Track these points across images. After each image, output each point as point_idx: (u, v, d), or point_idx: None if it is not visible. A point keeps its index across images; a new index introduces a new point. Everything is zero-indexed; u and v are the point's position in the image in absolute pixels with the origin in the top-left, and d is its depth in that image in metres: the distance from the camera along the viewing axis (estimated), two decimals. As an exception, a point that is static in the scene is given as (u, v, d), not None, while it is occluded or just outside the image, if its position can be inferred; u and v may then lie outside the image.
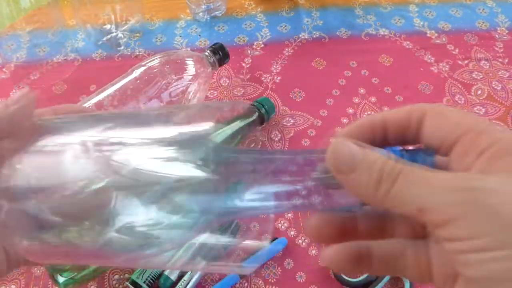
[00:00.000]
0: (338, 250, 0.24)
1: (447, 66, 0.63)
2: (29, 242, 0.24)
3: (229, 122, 0.52)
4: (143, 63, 0.53)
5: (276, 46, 0.65)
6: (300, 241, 0.48)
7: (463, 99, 0.59)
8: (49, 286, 0.46)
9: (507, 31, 0.67)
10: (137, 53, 0.65)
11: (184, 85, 0.52)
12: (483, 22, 0.68)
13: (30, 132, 0.26)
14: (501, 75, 0.62)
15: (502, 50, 0.64)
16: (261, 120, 0.55)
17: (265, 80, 0.61)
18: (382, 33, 0.67)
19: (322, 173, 0.22)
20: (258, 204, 0.23)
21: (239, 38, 0.67)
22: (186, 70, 0.54)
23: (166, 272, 0.45)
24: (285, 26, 0.68)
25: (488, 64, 0.63)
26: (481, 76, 0.62)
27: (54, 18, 0.61)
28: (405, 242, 0.23)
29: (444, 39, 0.66)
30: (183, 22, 0.69)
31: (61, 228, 0.24)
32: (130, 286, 0.44)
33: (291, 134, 0.56)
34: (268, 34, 0.67)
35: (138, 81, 0.52)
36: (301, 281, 0.46)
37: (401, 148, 0.22)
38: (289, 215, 0.49)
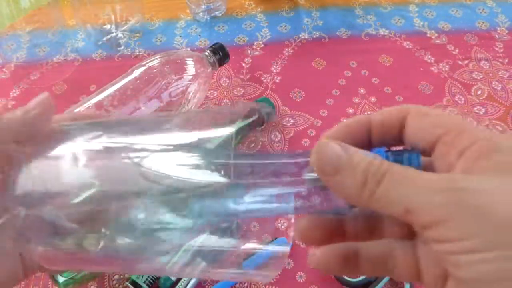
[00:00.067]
0: (326, 252, 0.24)
1: (447, 66, 0.63)
2: (44, 248, 0.24)
3: (229, 122, 0.52)
4: (143, 63, 0.53)
5: (276, 46, 0.65)
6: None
7: (463, 99, 0.59)
8: (49, 286, 0.46)
9: (507, 31, 0.67)
10: (137, 53, 0.65)
11: (184, 85, 0.52)
12: (483, 22, 0.68)
13: (49, 138, 0.26)
14: (501, 75, 0.62)
15: (502, 50, 0.64)
16: (262, 120, 0.55)
17: (265, 80, 0.61)
18: (382, 33, 0.67)
19: (315, 174, 0.22)
20: (257, 206, 0.23)
21: (239, 38, 0.67)
22: (186, 70, 0.54)
23: (166, 272, 0.45)
24: (285, 26, 0.68)
25: (488, 64, 0.63)
26: (481, 76, 0.62)
27: (54, 18, 0.61)
28: (394, 242, 0.23)
29: (444, 39, 0.66)
30: (183, 22, 0.69)
31: (77, 234, 0.24)
32: (130, 286, 0.44)
33: (291, 134, 0.56)
34: (268, 34, 0.67)
35: (138, 81, 0.52)
36: (301, 281, 0.46)
37: (386, 149, 0.22)
38: (289, 215, 0.49)
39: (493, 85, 0.61)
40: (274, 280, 0.46)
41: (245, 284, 0.45)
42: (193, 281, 0.45)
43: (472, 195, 0.18)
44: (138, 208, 0.23)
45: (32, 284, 0.46)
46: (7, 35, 0.61)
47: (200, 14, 0.68)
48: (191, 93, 0.53)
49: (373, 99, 0.60)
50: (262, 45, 0.65)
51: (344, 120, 0.23)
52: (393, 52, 0.64)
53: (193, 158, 0.23)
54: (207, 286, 0.45)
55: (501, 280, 0.17)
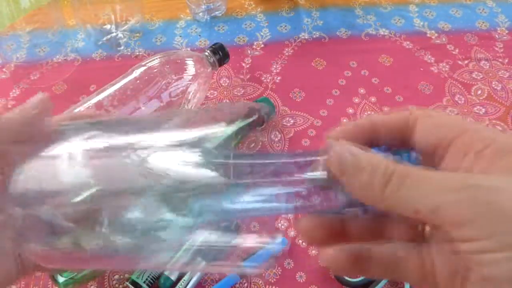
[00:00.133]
0: (338, 251, 0.24)
1: (447, 66, 0.63)
2: (42, 247, 0.24)
3: (229, 122, 0.52)
4: (143, 63, 0.53)
5: (276, 46, 0.65)
6: (300, 241, 0.48)
7: (463, 99, 0.59)
8: (49, 286, 0.46)
9: (507, 31, 0.67)
10: (137, 53, 0.65)
11: (184, 85, 0.52)
12: (483, 22, 0.68)
13: (47, 137, 0.26)
14: (501, 75, 0.62)
15: (502, 50, 0.64)
16: (261, 120, 0.55)
17: (265, 80, 0.61)
18: (382, 33, 0.67)
19: (324, 174, 0.22)
20: (257, 205, 0.23)
21: (239, 38, 0.67)
22: (186, 70, 0.54)
23: (166, 272, 0.45)
24: (285, 26, 0.68)
25: (488, 64, 0.63)
26: (481, 76, 0.62)
27: (54, 18, 0.61)
28: (404, 245, 0.23)
29: (444, 39, 0.66)
30: (183, 22, 0.69)
31: (74, 234, 0.24)
32: (130, 286, 0.44)
33: (291, 134, 0.56)
34: (268, 34, 0.67)
35: (138, 81, 0.52)
36: (301, 281, 0.46)
37: (385, 148, 0.22)
38: (289, 215, 0.49)
39: (493, 85, 0.61)
40: (274, 280, 0.46)
41: (245, 284, 0.45)
42: (193, 281, 0.45)
43: (495, 195, 0.18)
44: (136, 207, 0.23)
45: (32, 284, 0.46)
46: (7, 35, 0.61)
47: (200, 14, 0.68)
48: (191, 93, 0.53)
49: (373, 99, 0.60)
50: (262, 45, 0.65)
51: (346, 120, 0.24)
52: (393, 52, 0.64)
53: (193, 157, 0.23)
54: (207, 286, 0.45)
55: None
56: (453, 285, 0.21)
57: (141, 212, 0.23)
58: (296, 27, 0.68)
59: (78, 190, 0.24)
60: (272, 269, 0.46)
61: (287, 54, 0.64)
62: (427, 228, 0.23)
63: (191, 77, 0.53)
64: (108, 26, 0.65)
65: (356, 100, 0.59)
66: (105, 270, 0.46)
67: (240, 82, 0.61)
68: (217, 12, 0.69)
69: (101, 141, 0.25)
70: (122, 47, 0.65)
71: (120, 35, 0.65)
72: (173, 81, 0.52)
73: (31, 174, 0.24)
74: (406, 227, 0.23)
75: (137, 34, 0.67)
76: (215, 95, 0.60)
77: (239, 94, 0.60)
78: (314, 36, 0.67)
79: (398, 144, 0.23)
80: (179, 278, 0.45)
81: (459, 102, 0.59)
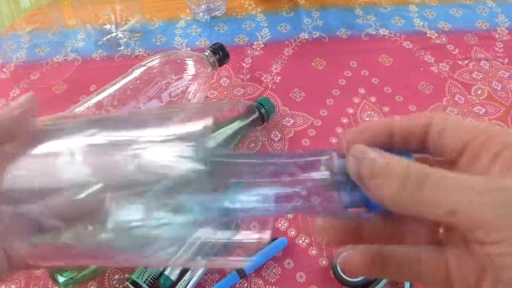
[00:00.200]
0: (355, 252, 0.24)
1: (447, 66, 0.63)
2: (30, 245, 0.24)
3: (229, 122, 0.52)
4: (143, 63, 0.53)
5: (276, 46, 0.65)
6: (300, 241, 0.48)
7: (463, 99, 0.59)
8: (49, 286, 0.46)
9: (507, 31, 0.67)
10: (137, 53, 0.65)
11: (184, 85, 0.52)
12: (483, 22, 0.68)
13: (33, 136, 0.26)
14: (501, 75, 0.62)
15: (502, 50, 0.64)
16: (261, 120, 0.55)
17: (265, 80, 0.61)
18: (382, 33, 0.67)
19: (326, 175, 0.22)
20: (257, 205, 0.23)
21: (239, 38, 0.67)
22: (186, 70, 0.54)
23: (166, 272, 0.45)
24: (285, 26, 0.68)
25: (488, 64, 0.63)
26: (481, 76, 0.62)
27: (54, 18, 0.61)
28: (421, 247, 0.23)
29: (444, 39, 0.66)
30: (183, 22, 0.69)
31: (61, 231, 0.24)
32: (130, 286, 0.44)
33: (291, 134, 0.56)
34: (268, 34, 0.67)
35: (138, 81, 0.52)
36: (301, 281, 0.46)
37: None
38: (289, 215, 0.49)
39: (493, 85, 0.61)
40: (274, 280, 0.46)
41: (245, 284, 0.45)
42: (193, 281, 0.45)
43: None
44: (126, 205, 0.23)
45: (32, 284, 0.46)
46: (7, 35, 0.61)
47: (200, 14, 0.68)
48: (191, 93, 0.53)
49: (373, 99, 0.60)
50: (262, 45, 0.65)
51: (364, 123, 0.24)
52: (393, 52, 0.64)
53: (191, 155, 0.23)
54: (207, 286, 0.45)
55: None
56: (468, 287, 0.21)
57: (132, 211, 0.23)
58: (296, 27, 0.68)
59: (65, 188, 0.24)
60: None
61: (287, 54, 0.64)
62: (441, 230, 0.23)
63: (191, 77, 0.53)
64: (108, 26, 0.65)
65: (356, 100, 0.59)
66: (105, 270, 0.46)
67: (240, 82, 0.61)
68: (217, 12, 0.69)
69: (89, 138, 0.25)
70: (122, 47, 0.65)
71: (120, 35, 0.65)
72: (173, 81, 0.52)
73: (18, 173, 0.25)
74: (425, 230, 0.23)
75: (137, 34, 0.67)
76: (215, 95, 0.60)
77: (239, 94, 0.60)
78: (314, 36, 0.67)
79: (414, 147, 0.23)
80: (179, 278, 0.45)
81: (459, 102, 0.59)
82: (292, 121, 0.57)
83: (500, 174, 0.19)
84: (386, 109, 0.59)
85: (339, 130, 0.57)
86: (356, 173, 0.21)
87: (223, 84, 0.61)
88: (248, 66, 0.63)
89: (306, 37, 0.66)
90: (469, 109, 0.59)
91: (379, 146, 0.22)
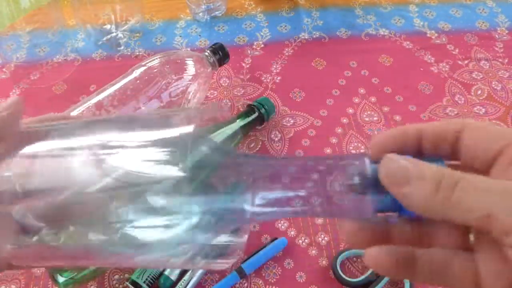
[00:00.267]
0: (383, 254, 0.23)
1: (447, 66, 0.63)
2: (13, 246, 0.25)
3: (229, 122, 0.52)
4: (143, 63, 0.53)
5: (276, 46, 0.65)
6: (300, 241, 0.48)
7: (463, 99, 0.59)
8: (49, 286, 0.46)
9: (507, 31, 0.67)
10: (137, 53, 0.65)
11: (184, 85, 0.52)
12: (483, 22, 0.68)
13: (18, 138, 0.26)
14: (501, 75, 0.62)
15: (502, 50, 0.64)
16: (261, 120, 0.55)
17: (265, 80, 0.61)
18: (382, 33, 0.67)
19: (357, 179, 0.22)
20: (285, 209, 0.23)
21: (239, 38, 0.67)
22: (186, 70, 0.54)
23: (166, 272, 0.45)
24: (285, 26, 0.68)
25: (488, 64, 0.63)
26: (481, 76, 0.62)
27: (54, 18, 0.61)
28: (451, 252, 0.23)
29: (444, 39, 0.66)
30: (183, 22, 0.69)
31: (44, 233, 0.24)
32: (130, 286, 0.44)
33: (291, 134, 0.56)
34: (268, 34, 0.67)
35: (138, 81, 0.52)
36: (301, 281, 0.46)
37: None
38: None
39: (493, 85, 0.61)
40: (274, 280, 0.46)
41: (245, 284, 0.45)
42: (193, 281, 0.45)
43: None
44: (107, 207, 0.23)
45: (32, 284, 0.46)
46: (7, 35, 0.61)
47: (200, 14, 0.68)
48: (191, 93, 0.53)
49: (373, 99, 0.60)
50: (262, 45, 0.65)
51: (393, 129, 0.23)
52: (393, 52, 0.64)
53: (157, 153, 0.23)
54: (207, 286, 0.45)
55: None
56: None
57: (115, 213, 0.23)
58: (296, 27, 0.68)
59: (49, 190, 0.24)
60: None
61: (287, 54, 0.64)
62: (471, 235, 0.23)
63: (191, 77, 0.53)
64: (108, 26, 0.65)
65: (356, 100, 0.59)
66: (105, 270, 0.46)
67: (240, 82, 0.61)
68: (217, 12, 0.69)
69: (78, 141, 0.25)
70: (122, 47, 0.65)
71: (120, 35, 0.65)
72: (173, 81, 0.52)
73: (2, 174, 0.25)
74: (455, 234, 0.23)
75: (137, 34, 0.67)
76: (215, 95, 0.60)
77: (239, 94, 0.60)
78: (314, 36, 0.67)
79: (444, 153, 0.23)
80: (179, 278, 0.45)
81: (459, 102, 0.59)
82: (292, 121, 0.57)
83: None
84: (386, 109, 0.59)
85: (339, 130, 0.57)
86: (388, 180, 0.21)
87: (223, 84, 0.61)
88: (248, 66, 0.63)
89: (306, 37, 0.66)
90: (469, 109, 0.59)
91: (408, 151, 0.22)
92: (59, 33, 0.63)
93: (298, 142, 0.56)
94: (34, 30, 0.62)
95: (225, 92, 0.60)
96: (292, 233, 0.49)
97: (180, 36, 0.67)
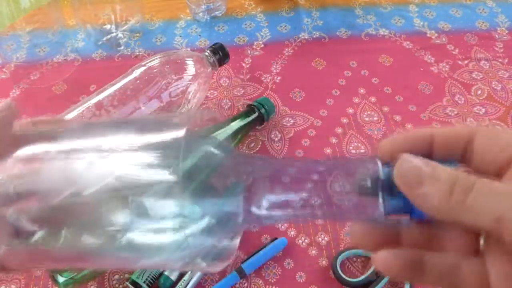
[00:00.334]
0: (392, 256, 0.23)
1: (447, 66, 0.63)
2: (7, 248, 0.25)
3: (229, 122, 0.52)
4: (143, 63, 0.53)
5: (276, 46, 0.65)
6: (300, 241, 0.48)
7: (463, 99, 0.59)
8: (49, 286, 0.46)
9: (507, 31, 0.67)
10: (137, 53, 0.65)
11: (184, 85, 0.52)
12: (483, 22, 0.68)
13: (12, 141, 0.26)
14: (501, 75, 0.62)
15: (502, 50, 0.64)
16: (261, 120, 0.55)
17: (265, 80, 0.61)
18: (382, 33, 0.67)
19: (370, 182, 0.22)
20: (296, 212, 0.23)
21: (239, 38, 0.67)
22: (186, 70, 0.54)
23: (166, 272, 0.45)
24: (285, 26, 0.68)
25: (488, 64, 0.63)
26: (481, 76, 0.62)
27: (54, 18, 0.61)
28: (460, 257, 0.23)
29: (444, 39, 0.66)
30: (183, 22, 0.69)
31: (37, 235, 0.24)
32: (130, 286, 0.44)
33: (291, 134, 0.56)
34: (268, 34, 0.67)
35: (138, 81, 0.52)
36: (301, 281, 0.46)
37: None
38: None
39: (493, 85, 0.61)
40: (274, 280, 0.46)
41: (245, 284, 0.45)
42: (193, 281, 0.45)
43: None
44: (100, 211, 0.23)
45: (32, 284, 0.46)
46: (7, 35, 0.61)
47: (200, 14, 0.68)
48: (191, 93, 0.53)
49: (373, 99, 0.60)
50: (262, 45, 0.65)
51: (404, 132, 0.23)
52: (393, 52, 0.64)
53: (148, 157, 0.23)
54: (207, 286, 0.45)
55: None
56: None
57: (108, 216, 0.23)
58: (296, 27, 0.68)
59: (43, 192, 0.24)
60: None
61: (287, 54, 0.64)
62: (482, 239, 0.23)
63: (191, 77, 0.53)
64: (108, 26, 0.65)
65: (356, 100, 0.59)
66: (105, 270, 0.46)
67: (240, 82, 0.61)
68: (217, 12, 0.69)
69: (70, 144, 0.26)
70: (122, 47, 0.65)
71: (120, 35, 0.65)
72: (173, 81, 0.52)
73: None
74: (465, 238, 0.23)
75: (137, 34, 0.67)
76: (215, 95, 0.60)
77: (239, 94, 0.60)
78: (314, 36, 0.67)
79: (455, 159, 0.23)
80: (179, 278, 0.45)
81: (459, 102, 0.59)
82: (292, 121, 0.57)
83: None
84: (386, 109, 0.59)
85: (339, 130, 0.57)
86: (402, 180, 0.21)
87: (223, 84, 0.61)
88: (248, 66, 0.63)
89: (306, 37, 0.66)
90: (469, 109, 0.59)
91: (418, 155, 0.22)
92: (59, 33, 0.63)
93: (298, 142, 0.56)
94: (34, 30, 0.62)
95: (225, 92, 0.60)
96: (292, 233, 0.49)
97: (180, 36, 0.67)
